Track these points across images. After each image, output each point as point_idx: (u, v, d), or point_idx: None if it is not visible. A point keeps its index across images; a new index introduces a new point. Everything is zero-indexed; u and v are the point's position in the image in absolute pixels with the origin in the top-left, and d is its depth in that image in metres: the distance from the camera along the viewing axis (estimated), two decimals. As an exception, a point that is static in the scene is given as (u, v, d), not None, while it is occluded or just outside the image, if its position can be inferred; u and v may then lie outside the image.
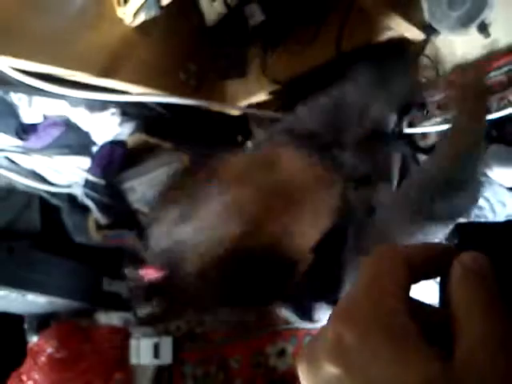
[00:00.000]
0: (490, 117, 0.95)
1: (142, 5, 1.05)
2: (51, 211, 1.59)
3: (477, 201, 0.77)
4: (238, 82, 1.34)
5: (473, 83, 0.83)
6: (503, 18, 0.97)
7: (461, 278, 0.25)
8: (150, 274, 0.71)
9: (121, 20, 1.10)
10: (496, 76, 1.04)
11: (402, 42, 1.10)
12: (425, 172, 0.82)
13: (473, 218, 0.92)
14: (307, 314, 0.80)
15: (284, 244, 0.69)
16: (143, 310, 1.60)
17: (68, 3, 1.03)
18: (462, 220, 0.77)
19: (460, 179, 0.74)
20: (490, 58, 1.05)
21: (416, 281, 0.27)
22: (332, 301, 0.75)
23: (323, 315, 0.81)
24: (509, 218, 0.96)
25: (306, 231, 0.70)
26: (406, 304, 0.25)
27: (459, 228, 0.28)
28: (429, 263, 0.27)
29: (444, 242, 0.77)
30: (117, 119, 1.35)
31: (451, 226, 0.75)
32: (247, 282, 0.68)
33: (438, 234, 0.75)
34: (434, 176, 0.77)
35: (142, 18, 1.09)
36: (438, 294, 0.27)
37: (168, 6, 1.07)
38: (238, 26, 1.26)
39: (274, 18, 1.22)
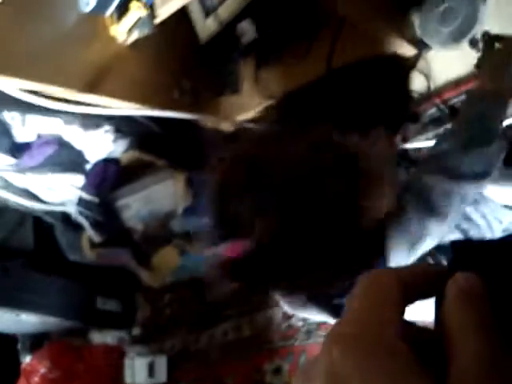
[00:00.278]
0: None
1: (136, 23, 1.06)
2: (44, 229, 1.58)
3: (501, 157, 0.80)
4: (232, 97, 1.35)
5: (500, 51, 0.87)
6: (494, 32, 0.98)
7: (453, 297, 0.25)
8: (234, 249, 0.69)
9: (114, 38, 1.10)
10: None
11: (394, 58, 1.11)
12: (438, 141, 0.85)
13: (471, 237, 0.93)
14: (339, 313, 0.80)
15: (366, 217, 0.72)
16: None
17: (61, 21, 1.03)
18: (457, 238, 0.78)
19: (481, 137, 0.78)
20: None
21: (410, 301, 0.26)
22: None
23: None
24: (505, 232, 0.96)
25: (379, 205, 0.74)
26: (396, 323, 0.24)
27: (454, 246, 0.28)
28: (424, 283, 0.27)
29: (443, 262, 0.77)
30: (110, 136, 1.35)
31: (483, 184, 0.80)
32: (337, 252, 0.71)
33: (471, 192, 0.78)
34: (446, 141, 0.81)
35: (135, 35, 1.10)
36: (434, 314, 0.27)
37: (161, 23, 1.07)
38: (231, 42, 1.27)
39: (267, 34, 1.22)
